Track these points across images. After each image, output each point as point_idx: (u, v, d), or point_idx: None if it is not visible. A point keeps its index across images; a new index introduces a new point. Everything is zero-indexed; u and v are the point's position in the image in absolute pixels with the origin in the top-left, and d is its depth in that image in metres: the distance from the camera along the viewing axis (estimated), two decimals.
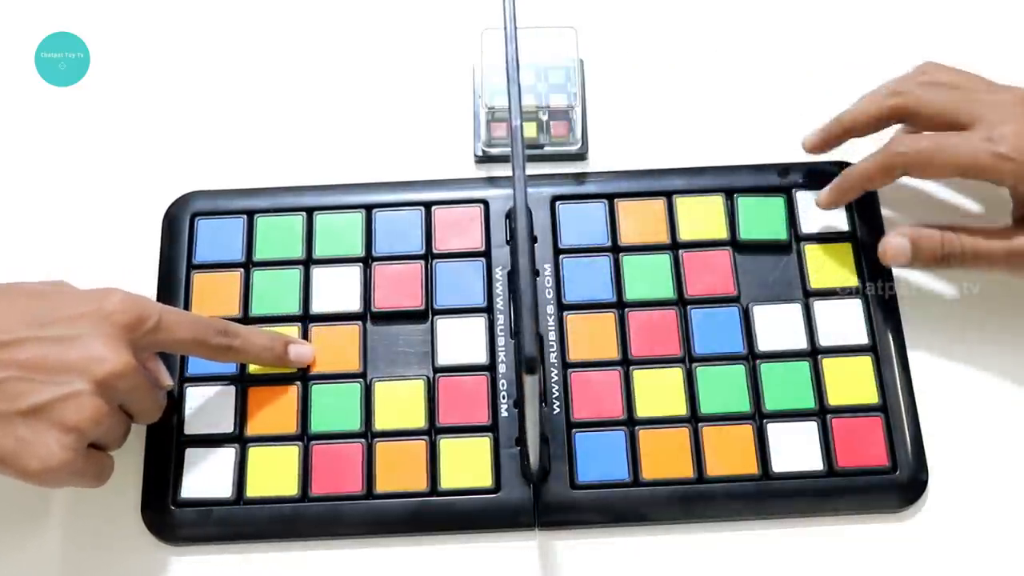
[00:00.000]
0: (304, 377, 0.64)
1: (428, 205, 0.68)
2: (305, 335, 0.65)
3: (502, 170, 0.70)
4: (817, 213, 0.67)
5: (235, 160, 0.71)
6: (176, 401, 0.63)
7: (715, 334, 0.64)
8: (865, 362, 0.64)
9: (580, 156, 0.70)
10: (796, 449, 0.62)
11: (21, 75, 0.74)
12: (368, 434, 0.63)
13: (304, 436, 0.63)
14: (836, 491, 0.61)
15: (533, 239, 0.67)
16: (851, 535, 0.61)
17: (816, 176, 0.68)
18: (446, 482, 0.61)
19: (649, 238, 0.67)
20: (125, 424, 0.58)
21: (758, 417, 0.63)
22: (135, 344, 0.56)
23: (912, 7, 0.75)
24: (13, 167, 0.71)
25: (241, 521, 0.61)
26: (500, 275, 0.66)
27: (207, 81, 0.74)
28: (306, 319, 0.65)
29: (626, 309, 0.65)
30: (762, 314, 0.65)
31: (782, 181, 0.68)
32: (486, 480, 0.61)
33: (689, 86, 0.73)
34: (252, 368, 0.64)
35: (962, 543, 0.61)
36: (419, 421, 0.63)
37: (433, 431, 0.63)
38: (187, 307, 0.65)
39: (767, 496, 0.61)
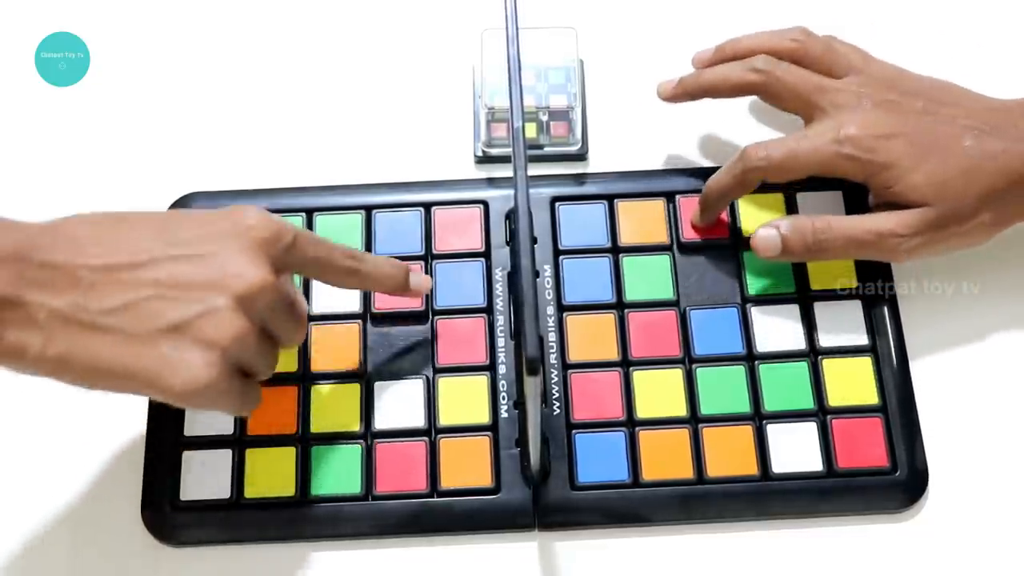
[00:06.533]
0: (304, 377, 0.64)
1: (428, 206, 0.68)
2: (305, 335, 0.65)
3: (502, 171, 0.70)
4: (817, 213, 0.67)
5: (235, 160, 0.71)
6: None
7: (715, 335, 0.64)
8: (865, 363, 0.64)
9: (580, 156, 0.70)
10: (796, 450, 0.62)
11: (21, 75, 0.74)
12: (368, 435, 0.63)
13: (304, 437, 0.63)
14: (836, 491, 0.61)
15: (533, 240, 0.67)
16: (851, 535, 0.61)
17: (816, 176, 0.68)
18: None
19: (649, 239, 0.67)
20: (270, 347, 0.56)
21: (758, 418, 0.63)
22: (273, 261, 0.54)
23: (912, 6, 0.75)
24: (13, 167, 0.71)
25: (241, 522, 0.61)
26: (500, 276, 0.66)
27: (207, 82, 0.74)
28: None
29: (626, 310, 0.65)
30: (761, 315, 0.65)
31: None
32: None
33: None
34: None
35: (963, 543, 0.61)
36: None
37: (433, 431, 0.63)
38: None
39: (767, 497, 0.61)
